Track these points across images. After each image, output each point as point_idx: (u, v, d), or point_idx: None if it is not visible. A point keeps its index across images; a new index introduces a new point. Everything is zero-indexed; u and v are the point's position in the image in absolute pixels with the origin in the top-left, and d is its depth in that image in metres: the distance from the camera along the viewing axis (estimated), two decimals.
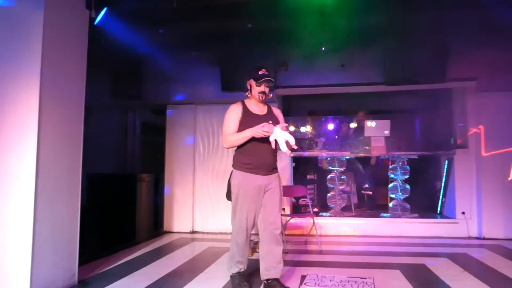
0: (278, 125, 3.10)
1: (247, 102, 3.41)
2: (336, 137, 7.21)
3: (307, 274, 3.87)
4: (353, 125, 7.31)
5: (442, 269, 4.16)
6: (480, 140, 5.98)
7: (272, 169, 3.33)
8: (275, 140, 3.08)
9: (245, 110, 3.33)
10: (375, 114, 7.04)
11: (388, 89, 6.10)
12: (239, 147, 3.30)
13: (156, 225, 6.69)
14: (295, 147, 3.17)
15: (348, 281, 3.60)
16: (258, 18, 4.65)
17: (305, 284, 3.57)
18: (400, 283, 3.65)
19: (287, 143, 3.08)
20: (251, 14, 4.56)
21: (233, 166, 3.38)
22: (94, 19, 3.93)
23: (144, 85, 6.42)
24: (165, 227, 6.67)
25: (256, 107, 3.38)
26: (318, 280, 3.66)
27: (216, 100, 6.51)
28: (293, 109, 8.00)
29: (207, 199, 6.72)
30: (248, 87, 3.40)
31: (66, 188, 3.56)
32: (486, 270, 4.17)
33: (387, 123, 6.47)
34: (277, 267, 3.32)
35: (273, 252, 3.31)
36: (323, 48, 5.26)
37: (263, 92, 3.32)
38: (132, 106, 6.87)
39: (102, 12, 4.06)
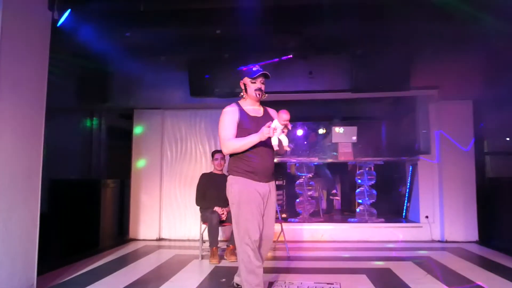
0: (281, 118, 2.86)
1: (242, 103, 3.14)
2: (305, 142, 7.28)
3: (274, 282, 3.86)
4: (321, 131, 7.41)
5: (407, 272, 4.25)
6: (442, 145, 6.17)
7: (271, 175, 3.10)
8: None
9: (242, 112, 3.05)
10: (342, 121, 7.16)
11: (355, 96, 6.21)
12: (238, 152, 3.03)
13: (121, 232, 6.52)
14: (287, 149, 2.95)
15: (315, 287, 3.61)
16: (226, 24, 4.63)
17: None
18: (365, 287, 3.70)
19: (280, 143, 2.91)
20: (220, 20, 4.53)
21: (230, 172, 3.07)
22: (57, 20, 3.80)
23: (110, 88, 6.27)
24: (131, 234, 6.51)
25: (253, 109, 3.11)
26: (285, 287, 3.65)
27: (185, 105, 6.45)
28: None
29: (174, 206, 6.62)
30: (243, 87, 3.15)
31: (24, 194, 3.41)
32: (448, 272, 4.28)
33: (354, 129, 6.59)
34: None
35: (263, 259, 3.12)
36: (291, 55, 5.30)
37: (260, 89, 3.06)
38: (98, 110, 6.69)
39: (66, 14, 3.94)
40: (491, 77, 5.59)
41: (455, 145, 6.10)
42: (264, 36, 5.05)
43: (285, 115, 2.84)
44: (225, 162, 5.49)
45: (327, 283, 3.74)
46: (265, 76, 3.09)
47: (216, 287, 3.87)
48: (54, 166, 5.53)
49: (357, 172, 6.79)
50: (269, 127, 2.81)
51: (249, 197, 2.93)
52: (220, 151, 5.52)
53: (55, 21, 3.79)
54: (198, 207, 5.30)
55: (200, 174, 5.49)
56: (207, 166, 6.41)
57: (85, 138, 6.68)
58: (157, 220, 6.55)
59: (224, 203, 5.16)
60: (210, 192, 5.21)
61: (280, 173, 7.56)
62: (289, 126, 2.91)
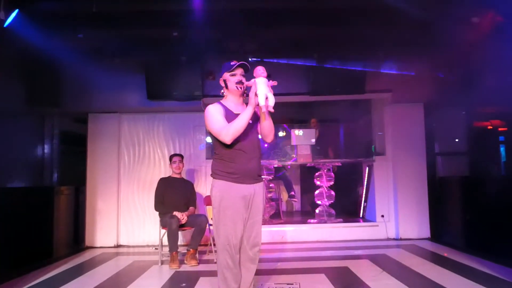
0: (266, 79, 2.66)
1: (224, 102, 2.92)
2: (266, 145, 7.33)
3: None
4: (281, 133, 7.49)
5: (363, 270, 4.37)
6: (395, 147, 6.41)
7: (257, 176, 2.88)
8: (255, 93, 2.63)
9: (226, 109, 2.85)
10: (301, 123, 7.28)
11: (313, 99, 6.33)
12: (219, 153, 2.84)
13: (77, 241, 6.29)
14: (272, 110, 2.66)
15: None
16: (183, 26, 4.59)
17: None
18: (324, 287, 3.77)
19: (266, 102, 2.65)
20: (176, 23, 4.49)
21: (211, 174, 2.89)
22: (4, 21, 3.64)
23: (63, 92, 6.03)
24: (87, 242, 6.30)
25: (235, 107, 2.89)
26: None
27: (142, 108, 6.33)
28: None
29: (133, 211, 6.48)
30: (223, 84, 2.92)
31: None
32: (402, 269, 4.45)
33: (312, 131, 6.72)
34: (250, 287, 2.95)
35: (249, 271, 2.91)
36: (250, 59, 5.33)
37: (241, 82, 2.82)
38: (50, 114, 6.42)
39: (13, 14, 3.78)
40: (441, 81, 5.86)
41: (408, 146, 6.35)
42: (221, 39, 5.06)
43: (260, 67, 2.68)
44: (183, 166, 5.44)
45: (287, 284, 3.78)
46: (244, 68, 2.88)
47: None
48: (2, 174, 5.26)
49: (316, 173, 6.91)
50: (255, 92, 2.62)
51: (230, 201, 2.76)
52: (178, 154, 5.46)
53: (1, 22, 3.62)
54: (157, 212, 5.22)
55: (159, 179, 5.41)
56: (166, 170, 6.31)
57: (36, 144, 6.39)
58: (115, 227, 6.38)
59: (184, 207, 5.13)
60: (169, 197, 5.14)
61: None
62: (273, 83, 2.69)
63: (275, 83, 2.70)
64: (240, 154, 2.78)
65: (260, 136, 2.96)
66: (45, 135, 6.40)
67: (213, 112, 2.80)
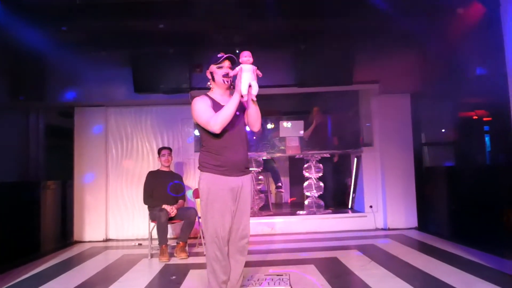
0: (251, 66, 2.69)
1: (211, 94, 2.91)
2: (254, 137, 7.32)
3: None
4: (269, 126, 7.48)
5: (352, 260, 4.42)
6: (383, 138, 6.46)
7: (245, 168, 2.89)
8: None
9: (213, 101, 2.83)
10: (289, 115, 7.28)
11: (300, 91, 6.33)
12: (206, 146, 2.84)
13: (65, 235, 6.23)
14: (254, 98, 2.73)
15: (265, 279, 3.66)
16: (169, 18, 4.55)
17: None
18: (314, 277, 3.80)
19: (249, 90, 2.69)
20: (161, 14, 4.44)
21: (199, 168, 2.88)
22: None
23: (48, 85, 5.94)
24: (76, 237, 6.26)
25: (222, 99, 2.87)
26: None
27: (129, 101, 6.27)
28: None
29: (121, 205, 6.45)
30: (210, 77, 2.92)
31: None
32: (390, 258, 4.51)
33: (301, 123, 6.73)
34: (240, 280, 2.98)
35: (238, 263, 2.93)
36: (237, 51, 5.30)
37: (227, 74, 2.82)
38: (35, 107, 6.32)
39: None
40: (427, 72, 5.91)
41: (395, 137, 6.40)
42: (209, 32, 5.02)
43: (246, 52, 2.71)
44: (172, 159, 5.42)
45: (277, 275, 3.80)
46: (231, 61, 2.87)
47: (166, 284, 3.81)
48: None
49: (305, 165, 6.94)
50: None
51: (218, 194, 2.77)
52: (167, 148, 5.43)
53: None
54: (146, 206, 5.20)
55: (147, 172, 5.39)
56: (154, 163, 6.28)
57: (21, 138, 6.29)
58: (104, 221, 6.35)
59: (173, 200, 5.11)
60: (158, 190, 5.12)
61: None
62: (258, 72, 2.74)
63: (260, 74, 2.73)
64: (227, 147, 2.79)
65: (247, 127, 2.96)
66: (30, 129, 6.29)
67: (200, 104, 2.80)
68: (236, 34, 5.06)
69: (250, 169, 2.95)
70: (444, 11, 4.63)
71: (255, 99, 2.74)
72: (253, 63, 2.73)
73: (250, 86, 2.68)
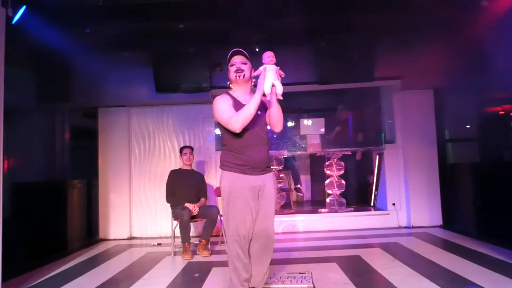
0: (274, 66, 2.72)
1: (232, 93, 2.91)
2: (275, 136, 7.31)
3: None
4: (290, 124, 7.46)
5: (375, 258, 4.37)
6: (406, 134, 6.35)
7: (265, 167, 2.87)
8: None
9: (234, 100, 2.83)
10: (309, 113, 7.24)
11: (321, 88, 6.29)
12: (227, 145, 2.84)
13: (91, 233, 6.38)
14: (280, 98, 2.73)
15: (288, 277, 3.66)
16: (189, 18, 4.58)
17: None
18: (336, 275, 3.78)
19: (272, 90, 2.71)
20: (182, 14, 4.48)
21: (221, 167, 2.89)
22: (12, 17, 3.66)
23: (72, 87, 6.07)
24: (101, 235, 6.40)
25: (243, 98, 2.86)
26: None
27: (151, 101, 6.36)
28: None
29: (144, 204, 6.55)
30: (229, 76, 2.91)
31: None
32: (414, 256, 4.44)
33: (321, 121, 6.69)
34: (265, 278, 2.97)
35: (263, 263, 2.91)
36: (257, 49, 5.30)
37: (239, 70, 2.81)
38: (60, 109, 6.49)
39: (21, 11, 3.80)
40: (450, 66, 5.78)
41: (418, 133, 6.29)
42: (228, 30, 5.03)
43: (268, 52, 2.73)
44: (193, 157, 5.47)
45: (299, 273, 3.79)
46: (242, 54, 2.86)
47: (189, 282, 3.86)
48: (15, 169, 5.33)
49: (326, 163, 6.90)
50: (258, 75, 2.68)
51: (239, 193, 2.76)
52: (188, 146, 5.49)
53: (10, 19, 3.63)
54: (169, 204, 5.27)
55: (170, 171, 5.45)
56: (176, 162, 6.35)
57: (47, 139, 6.46)
58: (128, 219, 6.46)
59: (195, 198, 5.16)
60: (180, 188, 5.18)
61: None
62: (281, 72, 2.76)
63: (282, 74, 2.75)
64: (248, 145, 2.78)
65: (269, 127, 2.96)
66: (56, 130, 6.45)
67: (221, 103, 2.79)
68: (256, 32, 5.05)
69: (271, 167, 2.93)
70: (469, 3, 4.51)
71: (281, 98, 2.74)
72: (275, 62, 2.75)
73: (273, 85, 2.69)
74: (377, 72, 5.95)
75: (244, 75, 2.83)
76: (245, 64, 2.85)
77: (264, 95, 2.72)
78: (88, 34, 4.79)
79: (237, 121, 2.67)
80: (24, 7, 3.81)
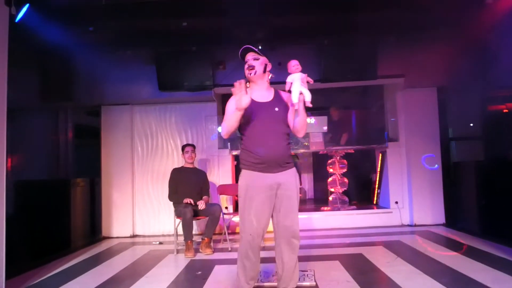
0: (300, 74, 2.74)
1: (249, 90, 2.76)
2: None
3: None
4: None
5: (378, 256, 4.37)
6: (409, 133, 6.34)
7: (284, 164, 2.81)
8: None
9: None
10: (312, 111, 7.22)
11: (324, 86, 6.28)
12: (244, 143, 2.84)
13: (94, 231, 6.40)
14: (310, 105, 2.70)
15: None
16: (192, 16, 4.59)
17: None
18: (338, 273, 3.78)
19: (302, 100, 2.70)
20: (184, 12, 4.48)
21: (240, 166, 2.89)
22: (15, 16, 3.67)
23: (75, 85, 6.09)
24: (104, 233, 6.42)
25: (259, 94, 2.84)
26: (261, 276, 3.69)
27: (153, 100, 6.38)
28: None
29: (147, 202, 6.56)
30: (245, 74, 2.90)
31: None
32: (417, 254, 4.44)
33: (324, 119, 6.68)
34: (294, 277, 2.89)
35: (288, 262, 2.83)
36: (260, 47, 5.30)
37: (251, 67, 2.81)
38: (63, 107, 6.51)
39: (24, 9, 3.82)
40: (454, 65, 5.76)
41: (421, 132, 6.28)
42: (231, 28, 5.03)
43: (293, 61, 2.76)
44: (195, 155, 5.47)
45: (302, 271, 3.78)
46: (252, 51, 2.85)
47: (192, 280, 3.87)
48: (19, 168, 5.36)
49: (329, 161, 6.89)
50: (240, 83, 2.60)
51: (255, 191, 2.75)
52: (190, 144, 5.50)
53: (13, 17, 3.65)
54: (172, 202, 5.28)
55: (172, 169, 5.46)
56: (179, 160, 6.36)
57: (51, 137, 6.50)
58: (130, 217, 6.48)
59: (197, 196, 5.17)
60: (183, 187, 5.18)
61: None
62: (309, 79, 2.75)
63: (311, 81, 2.76)
64: (263, 143, 2.75)
65: (292, 129, 2.89)
66: (60, 128, 6.48)
67: (228, 108, 2.83)
68: (259, 30, 5.05)
69: (289, 163, 2.87)
70: (473, 2, 4.50)
71: (310, 105, 2.71)
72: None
73: (301, 93, 2.70)
74: (381, 70, 5.94)
75: (255, 71, 2.82)
76: (257, 60, 2.84)
77: (292, 104, 2.75)
78: (91, 32, 4.80)
79: (223, 130, 2.80)
80: (27, 6, 3.83)
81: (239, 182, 2.84)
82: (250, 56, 2.84)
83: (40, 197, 5.13)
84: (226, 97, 7.23)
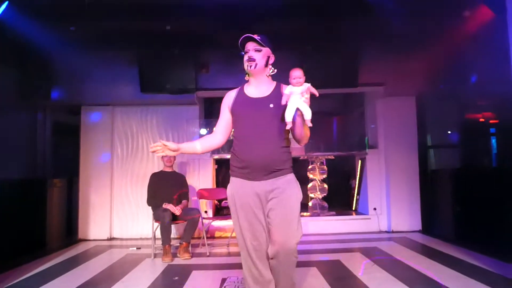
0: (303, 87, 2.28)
1: (246, 85, 2.56)
2: None
3: (228, 277, 3.89)
4: None
5: (355, 263, 4.42)
6: (388, 140, 6.44)
7: (275, 170, 2.39)
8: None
9: (240, 95, 2.52)
10: None
11: None
12: (233, 146, 2.50)
13: (70, 233, 6.29)
14: (310, 124, 2.29)
15: None
16: (176, 19, 4.57)
17: (224, 287, 3.58)
18: (315, 280, 3.81)
19: (300, 115, 2.29)
20: (168, 15, 4.47)
21: (230, 172, 2.57)
22: None
23: (55, 84, 5.99)
24: (80, 235, 6.32)
25: (256, 89, 2.50)
26: (238, 282, 3.70)
27: (135, 101, 6.31)
28: (215, 111, 7.99)
29: (126, 204, 6.49)
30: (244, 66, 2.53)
31: None
32: (393, 261, 4.50)
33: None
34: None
35: (283, 278, 2.45)
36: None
37: (251, 59, 2.41)
38: (42, 106, 6.38)
39: (3, 6, 3.75)
40: (432, 74, 5.87)
41: (400, 139, 6.38)
42: (213, 33, 5.03)
43: (296, 72, 2.31)
44: (175, 159, 5.44)
45: None
46: (254, 40, 2.44)
47: (169, 285, 3.84)
48: None
49: (309, 166, 6.94)
50: None
51: (242, 201, 2.43)
52: None
53: None
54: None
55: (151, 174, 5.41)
56: (159, 163, 6.30)
57: (28, 136, 6.35)
58: (108, 219, 6.39)
59: (176, 200, 5.13)
60: (162, 191, 5.14)
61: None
62: (313, 91, 2.29)
63: (316, 94, 2.32)
64: (250, 147, 2.39)
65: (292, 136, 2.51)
66: (38, 127, 6.34)
67: (221, 107, 2.61)
68: (242, 35, 5.05)
69: (282, 169, 2.43)
70: (450, 14, 4.61)
71: (310, 124, 2.30)
72: (303, 82, 2.32)
73: (297, 109, 2.28)
74: (361, 78, 6.00)
75: (256, 64, 2.43)
76: (259, 51, 2.45)
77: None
78: (73, 32, 4.73)
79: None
80: (6, 3, 3.78)
81: (227, 191, 2.55)
82: (251, 46, 2.45)
83: (15, 196, 5.02)
84: (208, 100, 7.25)
